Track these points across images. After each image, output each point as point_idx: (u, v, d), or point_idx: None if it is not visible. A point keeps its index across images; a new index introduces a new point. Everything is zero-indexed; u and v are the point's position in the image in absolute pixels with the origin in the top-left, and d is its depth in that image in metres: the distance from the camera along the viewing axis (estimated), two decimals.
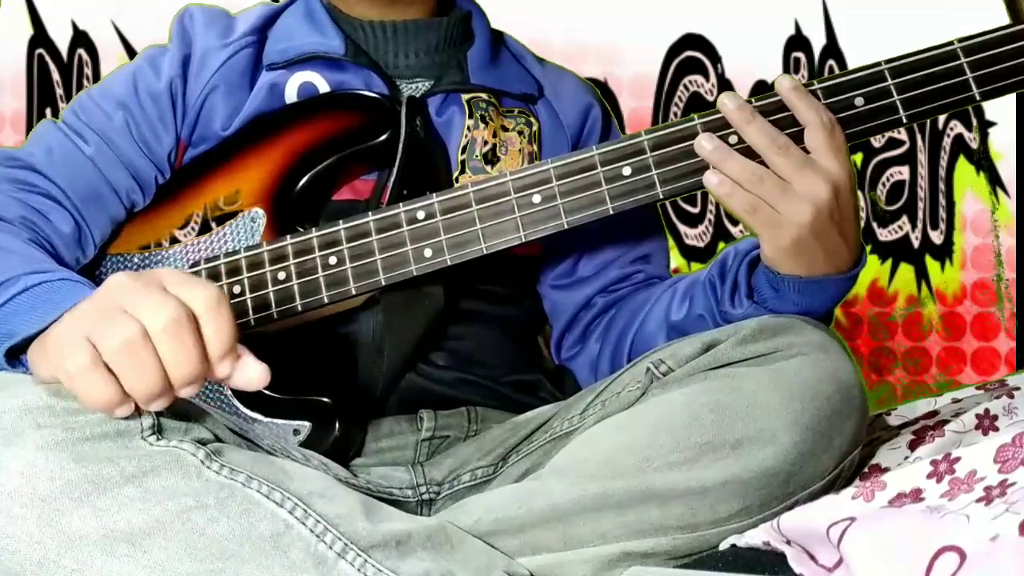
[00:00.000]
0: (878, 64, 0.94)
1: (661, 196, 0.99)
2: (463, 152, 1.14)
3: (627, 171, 0.99)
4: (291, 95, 1.13)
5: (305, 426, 1.04)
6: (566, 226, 1.00)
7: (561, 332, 1.25)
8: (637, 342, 1.16)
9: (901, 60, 0.94)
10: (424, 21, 1.17)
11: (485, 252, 1.02)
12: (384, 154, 1.08)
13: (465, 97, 1.15)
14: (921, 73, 0.93)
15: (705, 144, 0.97)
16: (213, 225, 1.11)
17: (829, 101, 0.96)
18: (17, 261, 0.96)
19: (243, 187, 1.11)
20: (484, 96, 1.16)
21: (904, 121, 0.94)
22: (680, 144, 0.98)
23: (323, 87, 1.13)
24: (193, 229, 1.12)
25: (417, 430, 1.11)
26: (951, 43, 0.94)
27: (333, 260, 1.03)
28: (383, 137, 1.08)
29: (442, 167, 1.12)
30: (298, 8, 1.17)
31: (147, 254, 1.13)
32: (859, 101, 0.95)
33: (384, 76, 1.14)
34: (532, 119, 1.19)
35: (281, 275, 1.04)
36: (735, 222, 2.12)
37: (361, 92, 1.11)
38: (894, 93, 0.93)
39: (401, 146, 1.08)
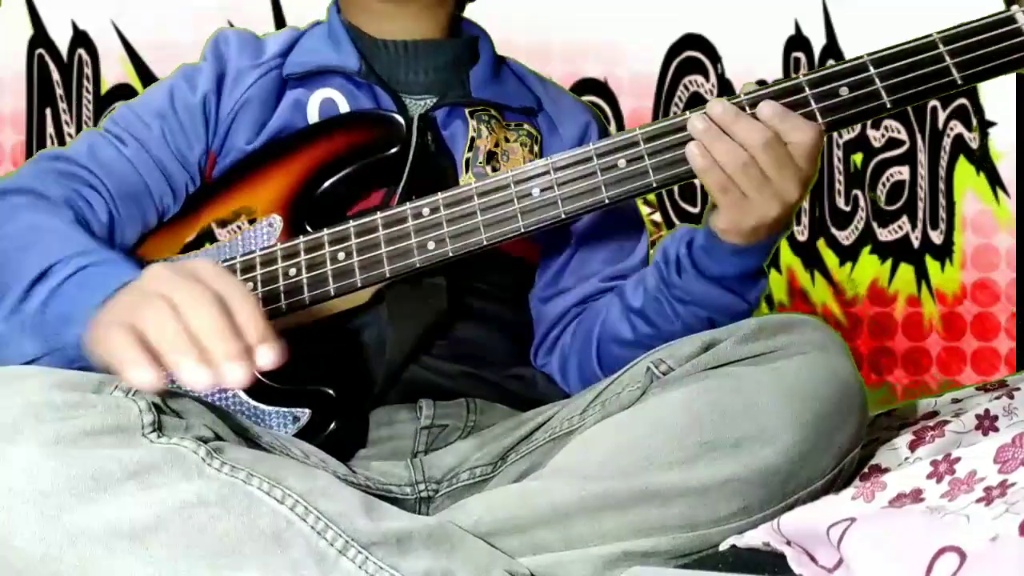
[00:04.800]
0: (860, 57, 0.99)
1: (655, 184, 1.02)
2: (467, 160, 1.18)
3: (622, 163, 1.02)
4: (313, 109, 1.19)
5: (305, 413, 1.06)
6: (563, 216, 1.04)
7: (540, 340, 1.27)
8: (603, 334, 1.18)
9: (882, 52, 0.98)
10: (434, 42, 1.24)
11: (486, 243, 1.05)
12: (395, 169, 1.13)
13: (468, 110, 1.20)
14: (902, 62, 0.97)
15: (697, 124, 0.99)
16: (230, 234, 1.15)
17: (815, 92, 0.99)
18: (66, 242, 1.00)
19: (262, 200, 1.15)
20: (487, 109, 1.21)
21: (889, 107, 0.98)
22: (673, 136, 1.01)
23: (342, 103, 1.19)
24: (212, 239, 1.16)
25: (416, 419, 1.11)
26: (930, 35, 0.98)
27: (342, 256, 1.07)
28: (393, 150, 1.13)
29: (450, 182, 1.15)
30: (321, 28, 1.25)
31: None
32: (844, 91, 0.99)
33: (391, 92, 1.20)
34: (534, 131, 1.24)
35: (292, 271, 1.08)
36: None
37: (374, 111, 1.17)
38: (877, 81, 0.97)
39: (410, 159, 1.13)
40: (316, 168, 1.14)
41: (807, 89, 1.00)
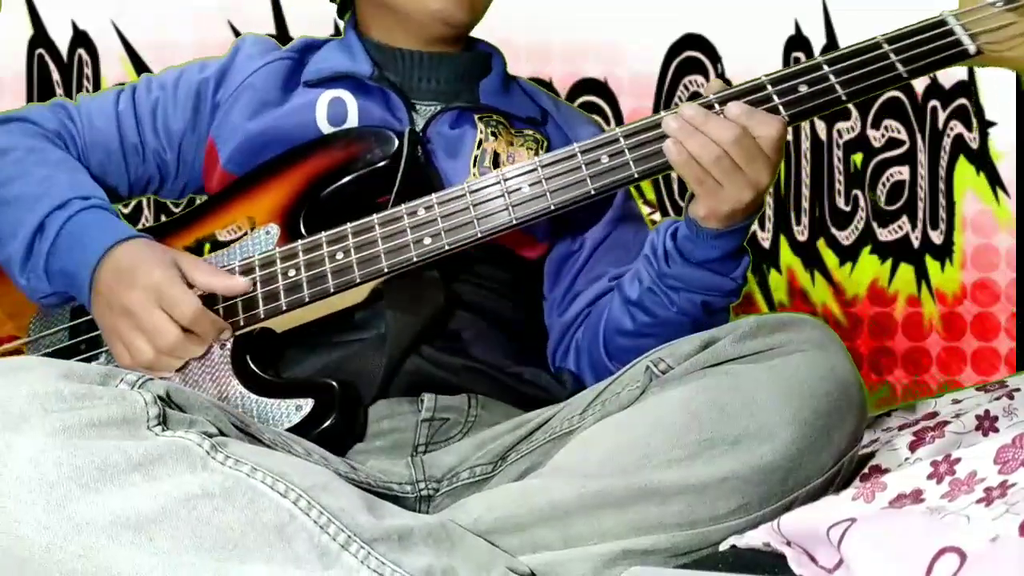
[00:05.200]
0: (816, 58, 1.09)
1: (636, 175, 1.09)
2: (475, 160, 1.23)
3: (605, 159, 1.09)
4: (321, 107, 1.25)
5: (308, 402, 1.08)
6: (552, 207, 1.09)
7: (556, 343, 1.29)
8: (607, 327, 1.21)
9: (835, 53, 1.09)
10: (448, 54, 1.30)
11: (480, 236, 1.10)
12: (388, 180, 1.17)
13: (477, 116, 1.26)
14: (852, 61, 1.07)
15: (672, 123, 1.06)
16: (230, 236, 1.19)
17: (776, 89, 1.08)
18: (50, 187, 1.15)
19: (260, 211, 1.19)
20: (494, 116, 1.26)
21: (844, 99, 1.07)
22: (650, 132, 1.09)
23: (350, 102, 1.25)
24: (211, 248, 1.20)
25: (417, 411, 1.12)
26: (875, 37, 1.09)
27: (340, 255, 1.12)
28: (383, 163, 1.17)
29: (438, 188, 1.17)
30: (337, 41, 1.34)
31: None
32: (803, 87, 1.08)
33: (402, 95, 1.26)
34: (540, 138, 1.28)
35: (291, 272, 1.12)
36: None
37: (366, 128, 1.22)
38: (832, 78, 1.07)
39: (401, 170, 1.16)
40: (312, 180, 1.19)
41: (769, 87, 1.08)
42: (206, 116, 1.28)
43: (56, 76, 2.12)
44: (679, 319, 1.13)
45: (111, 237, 1.11)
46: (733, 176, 1.04)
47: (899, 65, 1.07)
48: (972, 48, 1.06)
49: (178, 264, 1.10)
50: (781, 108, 1.07)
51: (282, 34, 2.07)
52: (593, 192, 1.09)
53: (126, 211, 1.39)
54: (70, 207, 1.13)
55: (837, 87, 1.06)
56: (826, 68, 1.07)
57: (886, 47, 1.07)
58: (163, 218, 1.33)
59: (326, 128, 1.24)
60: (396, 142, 1.17)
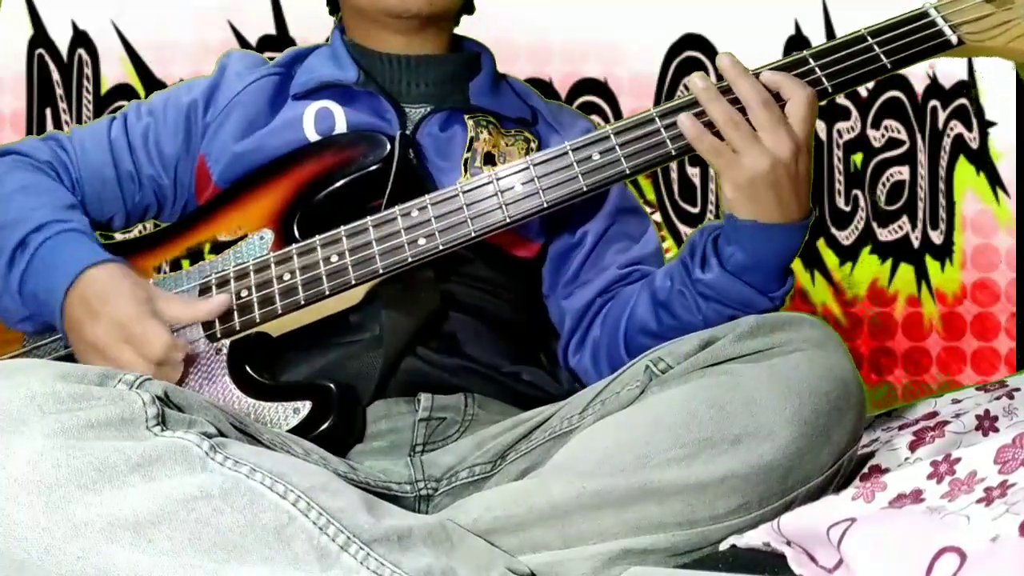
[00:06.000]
0: (801, 53, 1.10)
1: (627, 171, 1.09)
2: (466, 161, 1.23)
3: (596, 156, 1.10)
4: (309, 119, 1.25)
5: (306, 405, 1.08)
6: (545, 204, 1.10)
7: (568, 336, 1.28)
8: (630, 326, 1.20)
9: (819, 47, 1.10)
10: (436, 56, 1.29)
11: (474, 235, 1.10)
12: (381, 183, 1.18)
13: (467, 116, 1.25)
14: (837, 55, 1.08)
15: (698, 82, 1.06)
16: (224, 246, 1.19)
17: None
18: (36, 209, 1.15)
19: (254, 217, 1.20)
20: (484, 116, 1.26)
21: (830, 91, 1.08)
22: (640, 129, 1.09)
23: (338, 111, 1.25)
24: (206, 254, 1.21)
25: (415, 411, 1.12)
26: (859, 30, 1.10)
27: (334, 258, 1.12)
28: (376, 166, 1.18)
29: (430, 191, 1.17)
30: (324, 49, 1.33)
31: (162, 277, 1.20)
32: None
33: (391, 100, 1.25)
34: (531, 137, 1.28)
35: (286, 276, 1.12)
36: None
37: (358, 132, 1.23)
38: (817, 71, 1.08)
39: (393, 172, 1.17)
40: (305, 185, 1.19)
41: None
42: (198, 137, 1.27)
43: (56, 76, 2.12)
44: (703, 327, 1.09)
45: (81, 262, 1.09)
46: (750, 141, 1.03)
47: (883, 57, 1.08)
48: (954, 39, 1.07)
49: (151, 298, 1.08)
50: None
51: (282, 34, 2.07)
52: (585, 188, 1.09)
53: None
54: (47, 229, 1.13)
55: (823, 79, 1.07)
56: (812, 62, 1.08)
57: (870, 40, 1.08)
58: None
59: (315, 140, 1.24)
60: (388, 146, 1.17)
